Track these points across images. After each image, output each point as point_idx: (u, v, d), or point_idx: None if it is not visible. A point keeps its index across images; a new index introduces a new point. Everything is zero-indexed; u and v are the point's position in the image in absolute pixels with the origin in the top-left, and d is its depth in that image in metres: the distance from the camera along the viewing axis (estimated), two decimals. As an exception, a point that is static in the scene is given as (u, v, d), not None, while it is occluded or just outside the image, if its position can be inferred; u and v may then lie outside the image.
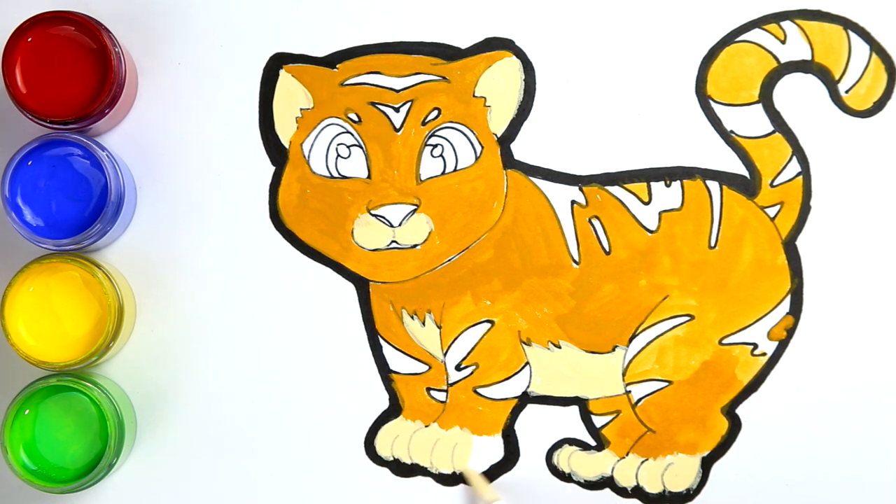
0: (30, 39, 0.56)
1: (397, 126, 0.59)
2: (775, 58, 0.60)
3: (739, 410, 0.60)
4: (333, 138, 0.60)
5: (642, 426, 0.60)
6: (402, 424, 0.60)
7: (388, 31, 0.60)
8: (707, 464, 0.60)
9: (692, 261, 0.60)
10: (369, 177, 0.59)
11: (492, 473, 0.60)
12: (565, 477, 0.60)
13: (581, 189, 0.60)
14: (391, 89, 0.60)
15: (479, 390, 0.60)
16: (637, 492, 0.60)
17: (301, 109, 0.60)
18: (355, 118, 0.59)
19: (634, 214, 0.60)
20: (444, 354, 0.60)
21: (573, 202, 0.60)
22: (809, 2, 0.60)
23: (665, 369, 0.60)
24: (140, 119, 0.60)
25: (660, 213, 0.60)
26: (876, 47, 0.60)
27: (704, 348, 0.60)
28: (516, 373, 0.60)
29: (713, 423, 0.60)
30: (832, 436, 0.60)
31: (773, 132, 0.60)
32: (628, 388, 0.60)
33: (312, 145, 0.60)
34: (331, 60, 0.60)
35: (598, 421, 0.60)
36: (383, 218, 0.59)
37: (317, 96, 0.60)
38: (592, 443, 0.60)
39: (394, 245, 0.60)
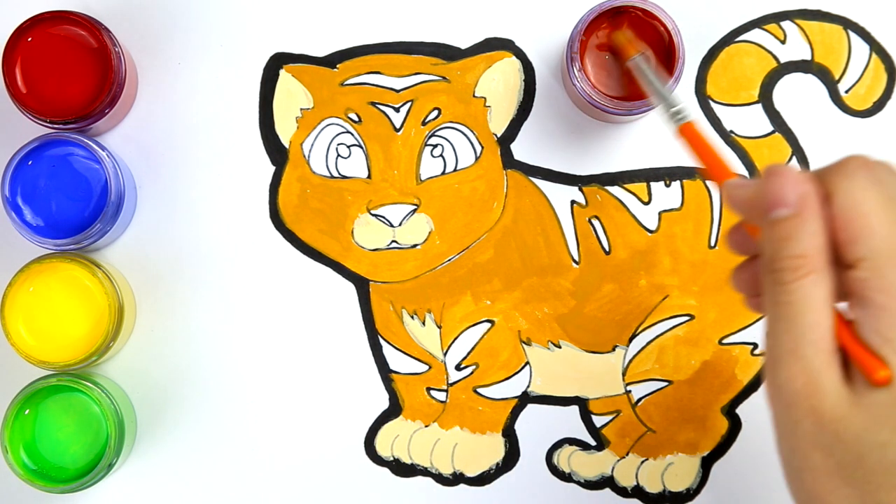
0: (30, 39, 0.56)
1: (397, 126, 0.59)
2: (775, 58, 0.60)
3: (739, 410, 0.60)
4: (333, 138, 0.60)
5: (642, 426, 0.60)
6: (402, 424, 0.60)
7: (388, 31, 0.60)
8: (707, 464, 0.60)
9: (692, 261, 0.60)
10: (369, 177, 0.60)
11: (492, 473, 0.60)
12: (565, 477, 0.60)
13: (581, 189, 0.60)
14: (391, 89, 0.60)
15: (479, 390, 0.60)
16: (637, 491, 0.60)
17: (301, 109, 0.60)
18: (355, 118, 0.60)
19: (634, 214, 0.60)
20: (444, 354, 0.60)
21: (573, 202, 0.60)
22: (809, 2, 0.60)
23: (665, 369, 0.60)
24: (140, 119, 0.60)
25: (660, 213, 0.60)
26: (876, 47, 0.60)
27: (704, 348, 0.60)
28: (516, 373, 0.60)
29: (713, 422, 0.60)
30: (832, 436, 0.60)
31: (772, 132, 0.60)
32: (628, 388, 0.60)
33: (312, 145, 0.60)
34: (331, 60, 0.60)
35: (598, 421, 0.60)
36: (383, 218, 0.59)
37: (317, 96, 0.60)
38: (592, 443, 0.60)
39: (394, 245, 0.60)
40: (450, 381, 0.60)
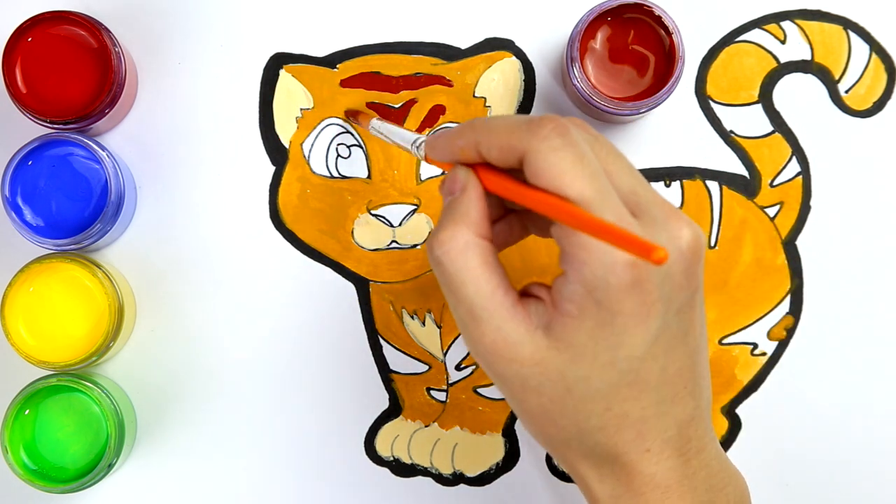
0: (30, 39, 0.56)
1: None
2: (775, 58, 0.60)
3: (739, 410, 0.60)
4: (333, 138, 0.60)
5: (642, 426, 0.60)
6: (402, 424, 0.60)
7: (388, 31, 0.60)
8: (707, 464, 0.60)
9: (692, 261, 0.60)
10: (369, 177, 0.60)
11: (492, 473, 0.60)
12: (565, 477, 0.60)
13: (581, 189, 0.60)
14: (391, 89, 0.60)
15: (479, 390, 0.60)
16: (637, 492, 0.60)
17: (301, 109, 0.60)
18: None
19: (634, 214, 0.60)
20: (444, 354, 0.60)
21: (573, 202, 0.60)
22: (809, 2, 0.60)
23: (665, 369, 0.60)
24: (140, 119, 0.60)
25: (660, 213, 0.60)
26: (876, 47, 0.60)
27: (704, 348, 0.60)
28: (516, 373, 0.60)
29: (713, 422, 0.60)
30: (832, 436, 0.60)
31: (772, 132, 0.60)
32: (628, 388, 0.60)
33: (312, 145, 0.60)
34: (331, 60, 0.60)
35: (598, 421, 0.60)
36: (383, 218, 0.59)
37: (317, 96, 0.60)
38: (592, 443, 0.60)
39: (394, 245, 0.60)
40: (450, 381, 0.60)
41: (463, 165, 0.45)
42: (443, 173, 0.59)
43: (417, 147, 0.49)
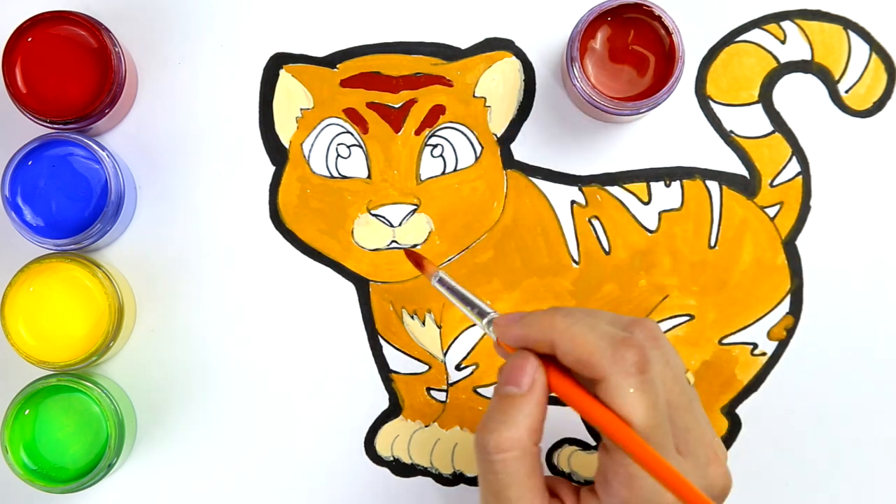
0: (30, 39, 0.56)
1: (397, 126, 0.60)
2: (775, 58, 0.60)
3: (739, 410, 0.60)
4: (333, 138, 0.60)
5: (642, 426, 0.60)
6: (402, 424, 0.60)
7: (388, 31, 0.60)
8: (707, 464, 0.60)
9: (692, 261, 0.60)
10: (369, 177, 0.60)
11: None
12: (565, 477, 0.60)
13: (581, 189, 0.60)
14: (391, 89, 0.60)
15: (479, 390, 0.60)
16: (637, 492, 0.60)
17: (301, 109, 0.60)
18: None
19: (634, 214, 0.60)
20: (444, 354, 0.60)
21: (573, 202, 0.60)
22: (809, 2, 0.60)
23: (665, 369, 0.60)
24: (140, 119, 0.60)
25: (660, 213, 0.60)
26: (876, 47, 0.60)
27: (704, 348, 0.60)
28: (516, 373, 0.60)
29: (713, 422, 0.60)
30: (832, 436, 0.60)
31: (772, 132, 0.60)
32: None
33: (312, 145, 0.60)
34: (331, 60, 0.60)
35: (598, 421, 0.60)
36: (383, 218, 0.59)
37: (317, 96, 0.60)
38: (592, 443, 0.60)
39: (394, 245, 0.60)
40: (450, 381, 0.60)
41: (534, 358, 0.46)
42: (442, 173, 0.59)
43: (489, 325, 0.48)
